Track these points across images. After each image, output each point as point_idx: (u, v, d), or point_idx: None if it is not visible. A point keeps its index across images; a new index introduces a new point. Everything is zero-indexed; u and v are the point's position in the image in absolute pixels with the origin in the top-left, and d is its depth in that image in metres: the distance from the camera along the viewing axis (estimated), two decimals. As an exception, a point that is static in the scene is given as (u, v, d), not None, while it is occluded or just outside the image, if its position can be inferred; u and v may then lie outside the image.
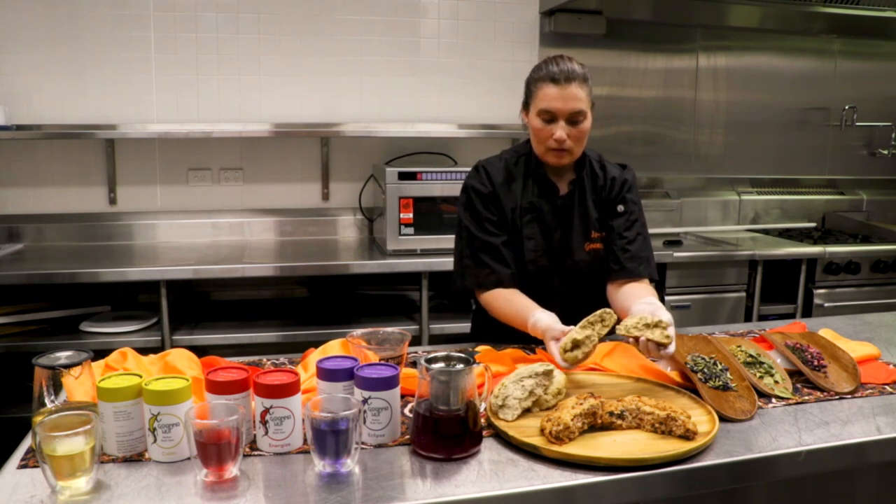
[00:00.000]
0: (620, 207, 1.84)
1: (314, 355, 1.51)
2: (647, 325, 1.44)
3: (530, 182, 1.83)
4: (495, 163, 1.87)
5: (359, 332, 1.55)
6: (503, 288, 1.77)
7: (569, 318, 1.60)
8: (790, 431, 1.30)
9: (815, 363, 1.57)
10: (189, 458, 1.13)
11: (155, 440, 1.15)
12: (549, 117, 1.71)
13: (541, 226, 1.82)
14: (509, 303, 1.74)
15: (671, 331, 1.45)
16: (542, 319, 1.59)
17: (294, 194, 3.33)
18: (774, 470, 1.23)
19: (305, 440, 1.18)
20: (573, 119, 1.70)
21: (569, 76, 1.68)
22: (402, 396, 1.30)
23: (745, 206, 3.87)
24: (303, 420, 1.20)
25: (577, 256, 1.82)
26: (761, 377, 1.52)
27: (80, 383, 1.21)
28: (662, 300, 3.05)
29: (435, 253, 2.87)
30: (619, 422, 1.28)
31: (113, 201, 3.16)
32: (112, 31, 3.04)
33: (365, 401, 1.22)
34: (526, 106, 1.79)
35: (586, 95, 1.71)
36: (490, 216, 1.81)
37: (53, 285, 2.69)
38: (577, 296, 1.85)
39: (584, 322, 1.49)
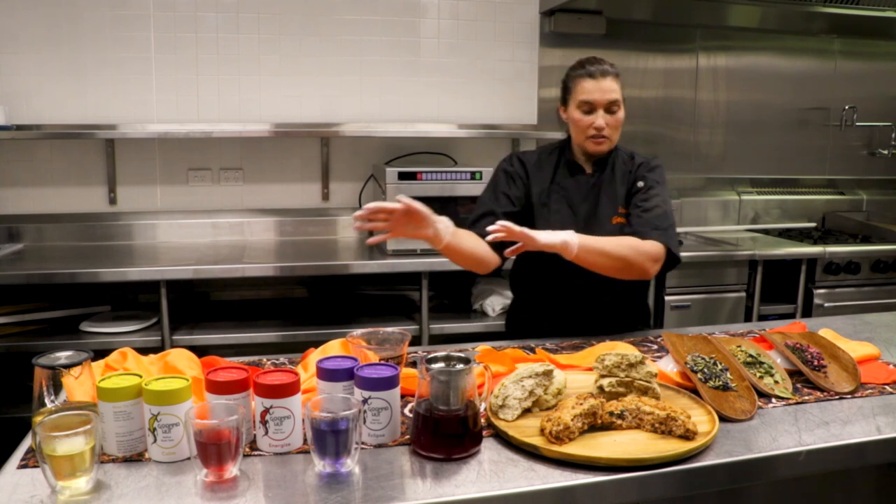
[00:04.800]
0: (640, 183, 1.95)
1: (314, 355, 1.51)
2: (631, 365, 1.38)
3: (559, 167, 2.00)
4: (529, 153, 2.06)
5: (359, 332, 1.55)
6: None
7: (593, 291, 1.86)
8: (790, 431, 1.30)
9: (815, 363, 1.57)
10: (189, 458, 1.13)
11: (155, 440, 1.16)
12: (589, 108, 1.87)
13: (567, 200, 1.96)
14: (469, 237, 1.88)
15: (655, 365, 1.45)
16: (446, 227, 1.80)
17: (294, 194, 3.33)
18: (774, 470, 1.23)
19: (305, 440, 1.18)
20: (610, 109, 1.87)
21: (604, 72, 1.87)
22: (402, 396, 1.30)
23: (745, 206, 3.87)
24: (303, 420, 1.20)
25: (605, 229, 1.91)
26: (761, 377, 1.52)
27: (80, 383, 1.21)
28: (662, 300, 3.07)
29: (435, 253, 2.84)
30: (619, 422, 1.28)
31: (113, 201, 3.15)
32: (112, 31, 3.04)
33: (365, 401, 1.22)
34: (564, 101, 1.95)
35: (619, 88, 1.89)
36: (507, 191, 1.96)
37: (53, 285, 2.68)
38: None
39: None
